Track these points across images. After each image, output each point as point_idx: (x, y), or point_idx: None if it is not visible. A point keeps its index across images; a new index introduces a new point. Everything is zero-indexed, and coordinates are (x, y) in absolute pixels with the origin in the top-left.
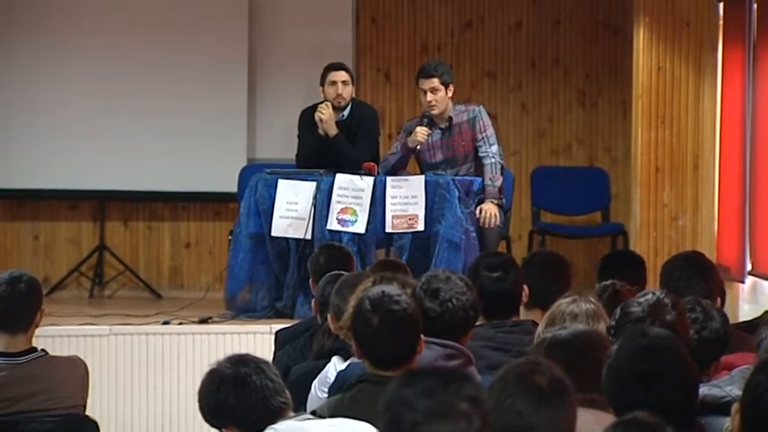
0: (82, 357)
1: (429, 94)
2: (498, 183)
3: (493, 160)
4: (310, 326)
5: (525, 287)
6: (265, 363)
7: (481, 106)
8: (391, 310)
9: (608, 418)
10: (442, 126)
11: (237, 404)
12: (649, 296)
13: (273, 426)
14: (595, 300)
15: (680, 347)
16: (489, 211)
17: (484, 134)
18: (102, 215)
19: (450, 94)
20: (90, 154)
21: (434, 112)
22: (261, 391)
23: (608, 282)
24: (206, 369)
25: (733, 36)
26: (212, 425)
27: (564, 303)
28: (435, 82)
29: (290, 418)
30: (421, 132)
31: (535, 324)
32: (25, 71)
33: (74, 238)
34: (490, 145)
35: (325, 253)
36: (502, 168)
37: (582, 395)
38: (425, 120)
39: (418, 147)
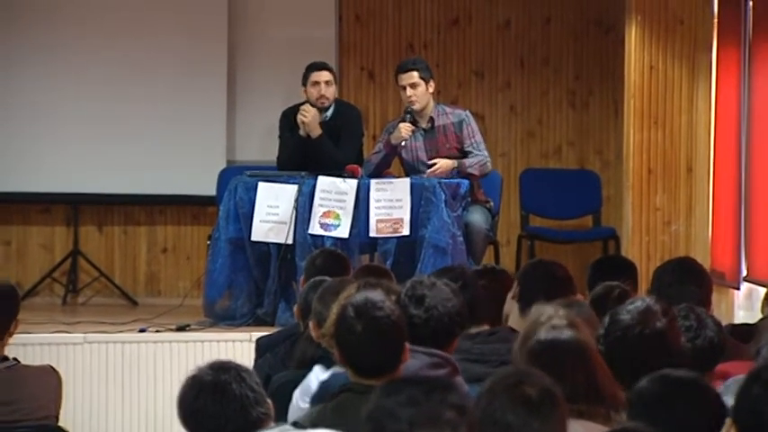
0: (55, 366)
1: (409, 89)
2: (473, 170)
3: (484, 158)
4: (292, 333)
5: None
6: (246, 371)
7: (467, 111)
8: (375, 317)
9: (598, 429)
10: (425, 127)
11: (215, 413)
12: (638, 303)
13: None
14: (575, 311)
15: None
16: (444, 165)
17: (473, 140)
18: (75, 219)
19: (430, 91)
20: (63, 156)
21: (415, 107)
22: (239, 401)
23: (613, 283)
24: (184, 378)
25: (728, 35)
26: None
27: (542, 317)
28: (415, 76)
29: (270, 428)
30: (405, 128)
31: (513, 331)
32: None
33: (46, 244)
34: (480, 151)
35: (323, 256)
36: (486, 173)
37: (571, 406)
38: (408, 116)
39: (402, 144)
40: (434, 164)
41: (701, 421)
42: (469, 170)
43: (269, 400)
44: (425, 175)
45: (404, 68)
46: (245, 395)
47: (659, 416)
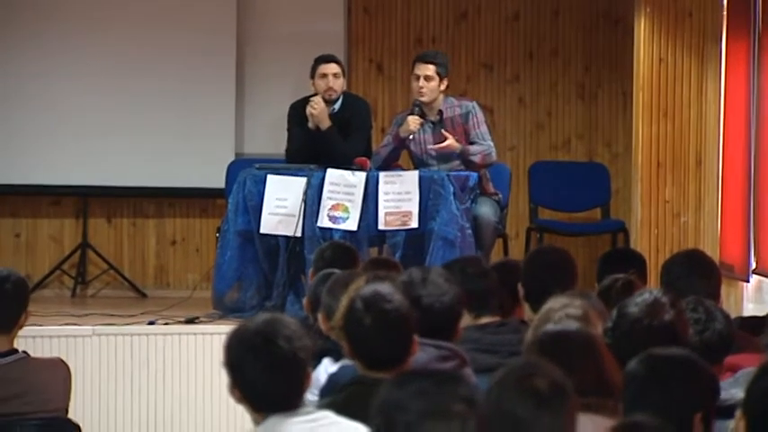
0: (64, 359)
1: (422, 79)
2: (475, 158)
3: (488, 147)
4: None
5: None
6: (299, 338)
7: (475, 102)
8: (384, 310)
9: (606, 423)
10: (433, 119)
11: (257, 373)
12: (646, 295)
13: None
14: (588, 302)
15: None
16: (452, 143)
17: (477, 129)
18: (85, 212)
19: (442, 88)
20: (73, 148)
21: (423, 99)
22: (284, 368)
23: (618, 275)
24: (192, 370)
25: (737, 26)
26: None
27: (556, 304)
28: (431, 69)
29: (308, 412)
30: (413, 121)
31: (523, 322)
32: (2, 65)
33: (56, 236)
34: (485, 140)
35: (332, 248)
36: (490, 164)
37: (580, 399)
38: (416, 109)
39: (411, 137)
40: (445, 138)
41: (695, 396)
42: (471, 157)
43: (309, 370)
44: (433, 151)
45: (424, 59)
46: (292, 365)
47: (652, 395)
